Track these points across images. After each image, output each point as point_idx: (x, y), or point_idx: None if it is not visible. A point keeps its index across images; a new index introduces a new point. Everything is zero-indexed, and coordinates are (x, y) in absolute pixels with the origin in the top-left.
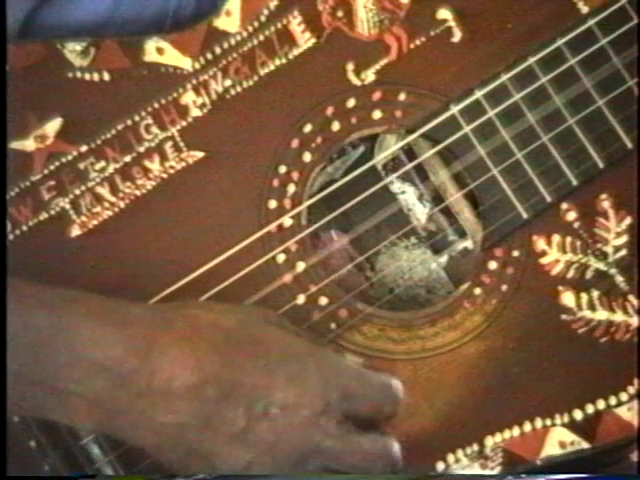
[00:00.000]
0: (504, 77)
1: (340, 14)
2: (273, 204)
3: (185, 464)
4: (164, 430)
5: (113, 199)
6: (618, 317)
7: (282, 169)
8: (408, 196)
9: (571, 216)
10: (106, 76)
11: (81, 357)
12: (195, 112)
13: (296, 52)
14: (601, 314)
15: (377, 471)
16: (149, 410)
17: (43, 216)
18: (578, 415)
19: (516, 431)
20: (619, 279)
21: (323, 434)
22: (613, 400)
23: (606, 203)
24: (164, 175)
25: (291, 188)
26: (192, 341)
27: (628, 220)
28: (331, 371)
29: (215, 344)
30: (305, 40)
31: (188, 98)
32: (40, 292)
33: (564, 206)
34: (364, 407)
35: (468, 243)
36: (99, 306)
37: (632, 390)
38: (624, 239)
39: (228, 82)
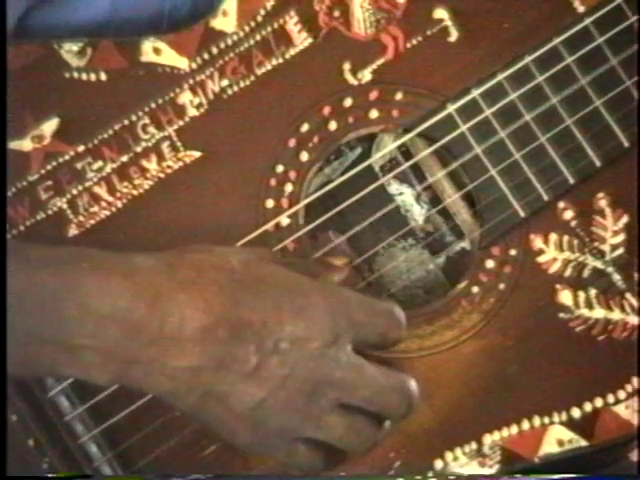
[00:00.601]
0: (500, 76)
1: (337, 14)
2: (270, 203)
3: (200, 408)
4: (178, 375)
5: (110, 199)
6: (615, 315)
7: (279, 168)
8: (406, 197)
9: (568, 215)
10: (103, 76)
11: (90, 310)
12: (192, 112)
13: (293, 52)
14: (598, 312)
15: (393, 407)
16: (162, 356)
17: (40, 216)
18: (576, 413)
19: (514, 429)
20: (616, 277)
21: (334, 365)
22: (611, 398)
23: (603, 201)
24: (161, 175)
25: (288, 187)
26: (198, 284)
27: (625, 218)
28: (337, 301)
29: (221, 285)
30: (302, 40)
31: (185, 98)
32: (44, 251)
33: (561, 205)
34: (371, 334)
35: (465, 244)
36: (103, 259)
37: (630, 388)
38: (621, 237)
39: (225, 82)
